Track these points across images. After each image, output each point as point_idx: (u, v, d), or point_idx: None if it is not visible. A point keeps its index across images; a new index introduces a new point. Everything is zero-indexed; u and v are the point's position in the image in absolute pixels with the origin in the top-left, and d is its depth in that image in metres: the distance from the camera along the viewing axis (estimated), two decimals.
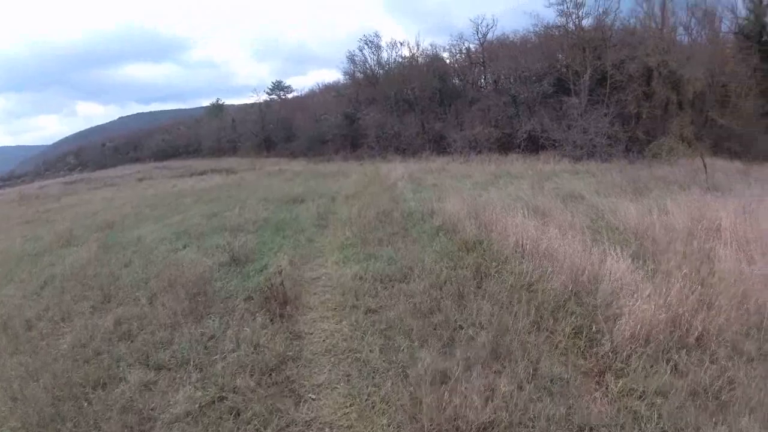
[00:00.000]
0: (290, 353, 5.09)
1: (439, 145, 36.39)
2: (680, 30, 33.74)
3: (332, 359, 5.03)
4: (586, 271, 6.21)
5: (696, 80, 29.23)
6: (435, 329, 5.31)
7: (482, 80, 42.57)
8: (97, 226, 15.97)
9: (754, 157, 25.30)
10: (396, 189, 17.32)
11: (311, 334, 5.65)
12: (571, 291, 5.94)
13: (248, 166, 40.29)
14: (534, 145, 31.94)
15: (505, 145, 33.39)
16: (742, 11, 32.17)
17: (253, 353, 5.08)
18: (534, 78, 34.56)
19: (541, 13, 69.82)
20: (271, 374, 4.73)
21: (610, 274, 6.00)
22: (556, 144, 30.13)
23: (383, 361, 4.77)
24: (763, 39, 31.08)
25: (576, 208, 11.22)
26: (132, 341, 5.88)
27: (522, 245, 7.49)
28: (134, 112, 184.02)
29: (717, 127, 29.38)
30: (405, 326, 5.39)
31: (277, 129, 54.76)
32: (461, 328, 5.34)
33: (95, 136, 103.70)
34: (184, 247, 10.73)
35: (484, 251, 7.88)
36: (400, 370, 4.60)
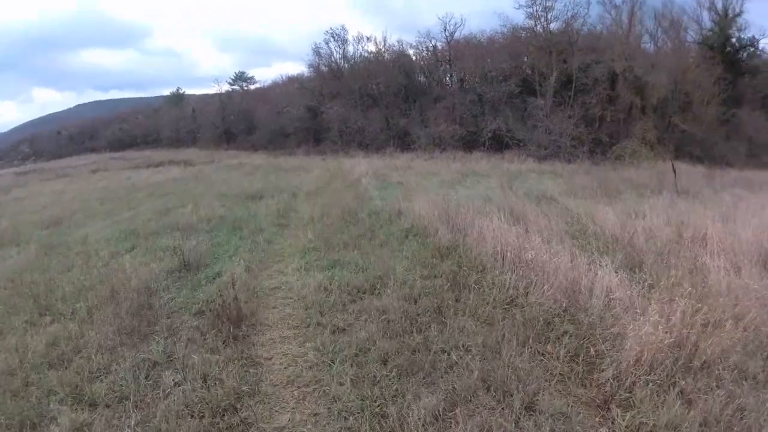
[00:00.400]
0: (246, 387, 4.27)
1: (404, 142, 35.82)
2: (646, 38, 34.43)
3: (296, 393, 4.24)
4: (578, 284, 5.60)
5: (660, 86, 29.70)
6: (413, 353, 4.59)
7: (447, 78, 42.29)
8: (43, 223, 14.92)
9: (715, 162, 25.75)
10: (360, 186, 16.56)
11: (270, 359, 4.84)
12: (562, 307, 5.32)
13: (207, 158, 38.84)
14: (499, 144, 31.83)
15: (469, 143, 33.13)
16: (707, 23, 33.02)
17: (201, 388, 4.24)
18: (500, 78, 34.46)
19: (509, 14, 70.20)
20: (223, 415, 3.91)
21: (603, 287, 5.40)
22: (521, 143, 30.07)
23: (356, 397, 4.00)
24: (727, 50, 31.77)
25: (550, 210, 10.70)
26: (66, 367, 4.98)
27: (501, 252, 6.84)
28: (92, 100, 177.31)
29: (679, 132, 30.06)
30: (379, 350, 4.64)
31: (237, 121, 53.12)
32: (443, 351, 4.62)
33: (51, 124, 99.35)
34: (132, 249, 9.77)
35: (460, 258, 7.22)
36: (377, 408, 3.85)
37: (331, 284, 6.37)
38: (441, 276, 6.55)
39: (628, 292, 5.27)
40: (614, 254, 6.55)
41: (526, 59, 35.37)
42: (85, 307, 6.56)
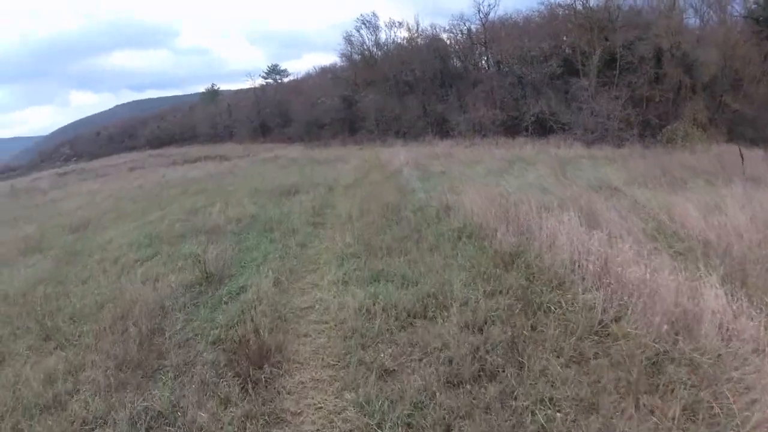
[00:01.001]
0: None
1: (442, 128, 34.39)
2: (689, 12, 31.71)
3: None
4: (684, 308, 4.28)
5: (710, 63, 27.48)
6: (487, 413, 3.40)
7: (484, 61, 40.45)
8: (71, 226, 14.29)
9: None
10: (401, 177, 15.36)
11: (299, 415, 3.70)
12: (669, 341, 4.02)
13: (243, 152, 38.22)
14: (542, 129, 30.08)
15: (511, 128, 31.50)
16: None
17: None
18: (541, 58, 32.43)
19: None
20: None
21: (714, 312, 4.09)
22: (566, 127, 28.21)
23: None
24: None
25: (618, 203, 9.28)
26: (60, 413, 4.07)
27: (580, 262, 5.54)
28: (129, 100, 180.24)
29: (730, 113, 27.73)
30: (440, 408, 3.47)
31: (272, 114, 52.38)
32: (529, 411, 3.41)
33: (91, 126, 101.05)
34: (154, 256, 8.83)
35: (529, 268, 5.94)
36: None
37: (374, 305, 5.19)
38: (508, 292, 5.31)
39: (751, 322, 3.94)
40: (712, 264, 5.14)
41: (565, 38, 33.32)
42: (92, 331, 5.63)
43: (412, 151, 23.60)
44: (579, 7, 31.55)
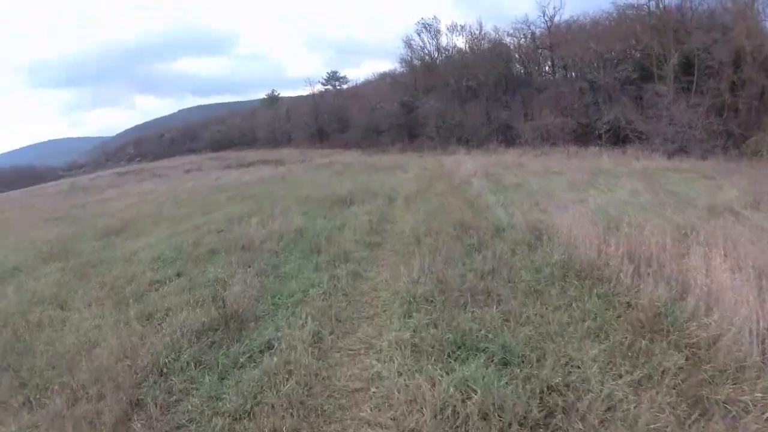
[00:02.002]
0: None
1: (506, 136, 32.15)
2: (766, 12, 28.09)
3: None
4: None
5: None
6: None
7: (548, 66, 37.92)
8: (106, 230, 13.04)
9: None
10: (470, 189, 13.27)
11: None
12: None
13: (299, 157, 36.85)
14: (615, 138, 27.36)
15: (581, 137, 28.97)
16: None
17: None
18: (615, 62, 29.64)
19: None
20: None
21: None
22: (643, 137, 25.33)
23: None
24: None
25: (747, 233, 6.97)
26: None
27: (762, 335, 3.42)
28: (193, 105, 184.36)
29: None
30: None
31: (330, 119, 51.13)
32: None
33: (156, 128, 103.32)
34: (177, 276, 7.14)
35: (685, 339, 3.87)
36: None
37: (465, 403, 3.20)
38: (664, 380, 3.25)
39: None
40: None
41: (634, 41, 30.17)
42: (68, 389, 4.07)
43: (477, 159, 21.39)
44: (652, 7, 28.78)
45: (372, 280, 6.31)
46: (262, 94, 77.88)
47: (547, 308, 4.84)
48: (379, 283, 6.13)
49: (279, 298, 5.66)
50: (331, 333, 4.65)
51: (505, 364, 3.82)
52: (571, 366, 3.72)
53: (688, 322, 4.22)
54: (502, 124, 33.49)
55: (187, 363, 4.27)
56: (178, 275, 7.15)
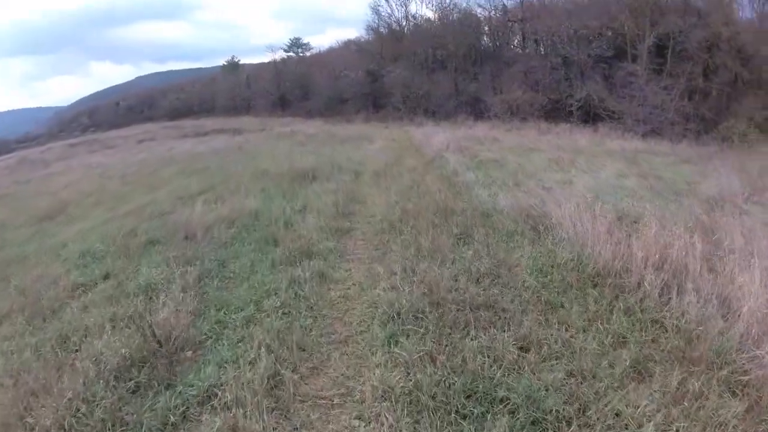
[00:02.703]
0: None
1: (475, 109, 30.94)
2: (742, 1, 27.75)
3: None
4: None
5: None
6: None
7: (517, 40, 36.70)
8: (39, 215, 11.66)
9: None
10: (445, 165, 12.08)
11: None
12: None
13: (258, 126, 34.87)
14: (586, 115, 26.66)
15: (551, 113, 28.11)
16: None
17: None
18: (590, 38, 28.69)
19: None
20: None
21: None
22: (615, 116, 24.58)
23: None
24: None
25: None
26: None
27: None
28: (151, 72, 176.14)
29: None
30: None
31: (293, 87, 48.86)
32: None
33: (112, 97, 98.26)
34: (105, 279, 5.83)
35: (741, 377, 3.05)
36: None
37: None
38: None
39: None
40: None
41: (608, 20, 29.19)
42: None
43: (447, 132, 20.15)
44: None
45: (342, 283, 5.13)
46: (222, 61, 74.10)
47: (567, 329, 3.78)
48: (351, 289, 4.96)
49: (225, 314, 4.43)
50: (294, 371, 3.46)
51: (536, 423, 2.75)
52: (624, 428, 2.68)
53: (737, 352, 3.26)
54: (470, 97, 32.26)
55: (101, 423, 3.04)
56: (106, 277, 5.84)
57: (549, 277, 4.74)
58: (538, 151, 14.95)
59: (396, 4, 41.12)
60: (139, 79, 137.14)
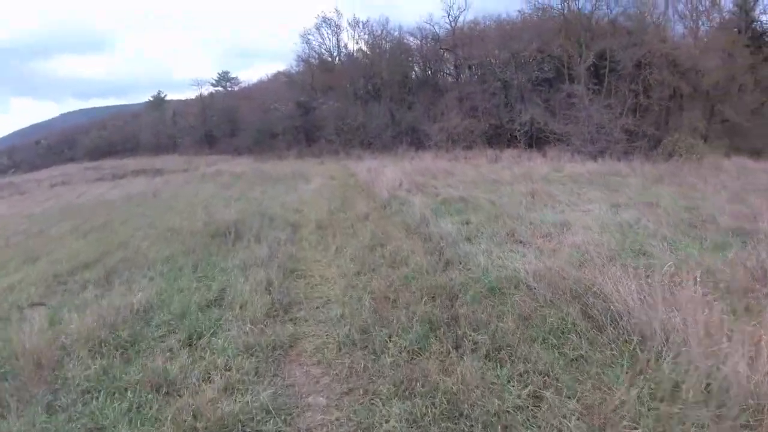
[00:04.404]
0: None
1: (413, 139, 28.83)
2: (674, 18, 27.69)
3: None
4: None
5: (707, 72, 23.67)
6: None
7: (452, 67, 35.15)
8: None
9: (760, 156, 19.46)
10: (405, 210, 9.33)
11: None
12: None
13: (182, 165, 31.22)
14: (530, 139, 25.20)
15: (493, 138, 26.57)
16: (728, 4, 26.68)
17: None
18: (526, 62, 27.47)
19: None
20: None
21: None
22: (561, 138, 23.01)
23: None
24: (750, 35, 25.74)
25: None
26: None
27: None
28: (76, 109, 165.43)
29: (719, 123, 24.53)
30: None
31: (220, 122, 45.25)
32: None
33: (35, 135, 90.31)
34: None
35: None
36: None
37: None
38: None
39: None
40: None
41: (544, 43, 28.18)
42: None
43: (392, 166, 17.52)
44: (560, 9, 27.30)
45: None
46: (148, 97, 69.19)
47: None
48: None
49: None
50: None
51: None
52: None
53: None
54: (408, 126, 30.15)
55: None
56: None
57: None
58: (503, 183, 12.58)
59: (328, 34, 38.73)
60: (64, 116, 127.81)
